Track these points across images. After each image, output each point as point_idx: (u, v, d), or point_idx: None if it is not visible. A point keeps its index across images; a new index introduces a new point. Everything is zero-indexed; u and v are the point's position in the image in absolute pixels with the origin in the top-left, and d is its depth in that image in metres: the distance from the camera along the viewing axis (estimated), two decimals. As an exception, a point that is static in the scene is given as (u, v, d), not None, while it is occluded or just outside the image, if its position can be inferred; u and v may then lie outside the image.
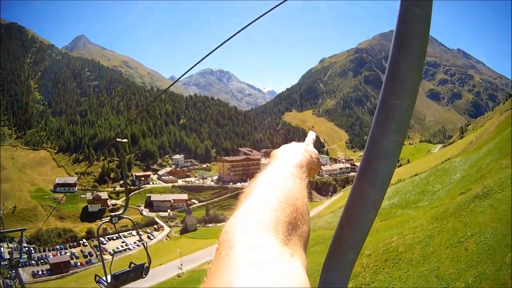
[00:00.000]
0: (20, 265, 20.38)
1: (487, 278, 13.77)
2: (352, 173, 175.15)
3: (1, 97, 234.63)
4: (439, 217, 23.07)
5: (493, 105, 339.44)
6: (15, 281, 24.99)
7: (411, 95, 0.94)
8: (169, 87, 7.77)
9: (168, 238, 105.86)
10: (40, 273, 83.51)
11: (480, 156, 38.26)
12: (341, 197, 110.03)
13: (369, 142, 1.00)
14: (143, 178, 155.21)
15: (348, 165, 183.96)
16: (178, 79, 6.04)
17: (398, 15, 0.89)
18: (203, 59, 4.40)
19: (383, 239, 26.84)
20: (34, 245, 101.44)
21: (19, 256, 21.33)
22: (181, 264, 54.34)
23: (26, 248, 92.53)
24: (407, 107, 0.94)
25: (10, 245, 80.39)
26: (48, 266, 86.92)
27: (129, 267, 7.56)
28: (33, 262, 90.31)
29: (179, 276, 50.80)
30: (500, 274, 13.43)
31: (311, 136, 1.48)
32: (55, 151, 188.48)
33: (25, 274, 76.67)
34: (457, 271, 15.39)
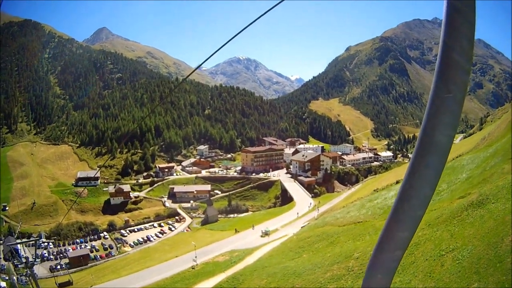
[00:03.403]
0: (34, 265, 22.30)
1: (445, 308, 13.47)
2: (376, 163, 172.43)
3: (18, 94, 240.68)
4: (431, 223, 22.43)
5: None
6: (30, 278, 26.96)
7: (462, 87, 0.98)
8: (184, 79, 7.88)
9: (189, 230, 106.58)
10: (58, 267, 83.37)
11: (487, 156, 36.62)
12: (360, 188, 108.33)
13: (421, 136, 1.02)
14: (166, 170, 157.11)
15: (371, 154, 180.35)
16: (193, 71, 6.24)
17: (445, 7, 0.93)
18: (220, 48, 4.57)
19: (373, 243, 26.42)
20: (53, 240, 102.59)
21: (33, 259, 23.27)
22: (195, 257, 55.41)
23: (45, 244, 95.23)
24: (459, 100, 0.98)
25: (27, 240, 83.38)
26: (67, 260, 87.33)
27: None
28: (51, 257, 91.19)
29: (193, 268, 51.74)
30: (458, 307, 13.13)
31: None
32: (77, 145, 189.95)
33: (42, 268, 78.18)
34: (425, 288, 15.11)
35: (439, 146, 0.98)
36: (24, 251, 75.81)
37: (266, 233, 72.33)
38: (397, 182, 64.76)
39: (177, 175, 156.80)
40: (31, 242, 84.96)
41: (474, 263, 14.58)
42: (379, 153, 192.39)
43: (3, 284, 65.89)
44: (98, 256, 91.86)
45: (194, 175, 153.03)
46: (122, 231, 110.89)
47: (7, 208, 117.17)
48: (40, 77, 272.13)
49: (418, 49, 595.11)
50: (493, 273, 12.91)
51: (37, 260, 22.33)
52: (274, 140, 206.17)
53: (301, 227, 64.67)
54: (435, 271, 16.13)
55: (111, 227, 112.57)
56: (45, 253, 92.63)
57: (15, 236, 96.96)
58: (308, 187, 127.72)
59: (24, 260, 22.64)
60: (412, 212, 1.04)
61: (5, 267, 79.11)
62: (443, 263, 16.37)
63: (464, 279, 14.06)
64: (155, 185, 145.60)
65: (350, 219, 41.51)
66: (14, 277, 71.58)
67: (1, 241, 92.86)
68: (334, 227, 41.45)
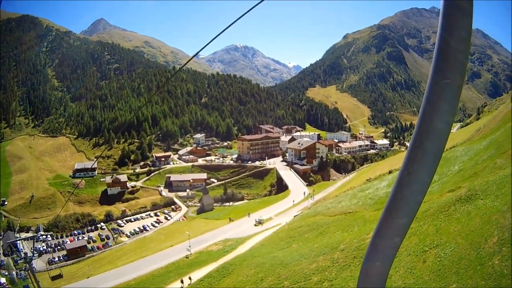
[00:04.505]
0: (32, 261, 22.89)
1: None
2: (372, 151, 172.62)
3: (16, 89, 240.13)
4: (418, 217, 22.29)
5: (511, 86, 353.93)
6: (29, 273, 27.57)
7: (460, 73, 1.00)
8: (180, 68, 7.67)
9: (184, 219, 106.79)
10: (56, 259, 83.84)
11: (481, 148, 36.50)
12: (354, 177, 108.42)
13: (419, 122, 1.03)
14: (163, 159, 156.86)
15: (367, 142, 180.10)
16: (189, 61, 6.03)
17: None
18: (217, 36, 4.44)
19: (360, 235, 26.61)
20: (51, 232, 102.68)
21: (32, 254, 23.72)
22: (189, 246, 55.94)
23: (43, 236, 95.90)
24: (457, 86, 1.00)
25: (27, 234, 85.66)
26: (65, 252, 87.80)
27: None
28: (49, 249, 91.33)
29: (186, 257, 52.58)
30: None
31: None
32: (75, 136, 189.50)
33: (40, 262, 78.48)
34: (404, 285, 15.03)
35: (437, 132, 0.99)
36: (23, 246, 76.32)
37: (259, 222, 72.91)
38: (390, 172, 64.85)
39: (173, 164, 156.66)
40: (29, 237, 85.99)
41: (455, 262, 14.50)
42: (375, 141, 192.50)
43: (3, 279, 66.51)
44: (95, 247, 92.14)
45: (190, 164, 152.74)
46: (119, 221, 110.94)
47: (6, 203, 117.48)
48: (38, 70, 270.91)
49: (416, 38, 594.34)
50: (472, 276, 12.79)
51: (35, 254, 22.93)
52: (270, 128, 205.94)
53: (294, 216, 64.97)
54: (416, 267, 16.10)
55: (108, 218, 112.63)
56: (43, 246, 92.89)
57: (15, 231, 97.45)
58: (304, 175, 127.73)
59: (23, 255, 23.15)
60: (411, 198, 1.05)
61: (5, 262, 79.70)
62: (425, 260, 16.32)
63: (443, 278, 13.99)
64: (152, 174, 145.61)
65: (341, 209, 41.68)
66: (14, 272, 72.24)
67: (0, 237, 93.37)
68: (325, 217, 41.66)
